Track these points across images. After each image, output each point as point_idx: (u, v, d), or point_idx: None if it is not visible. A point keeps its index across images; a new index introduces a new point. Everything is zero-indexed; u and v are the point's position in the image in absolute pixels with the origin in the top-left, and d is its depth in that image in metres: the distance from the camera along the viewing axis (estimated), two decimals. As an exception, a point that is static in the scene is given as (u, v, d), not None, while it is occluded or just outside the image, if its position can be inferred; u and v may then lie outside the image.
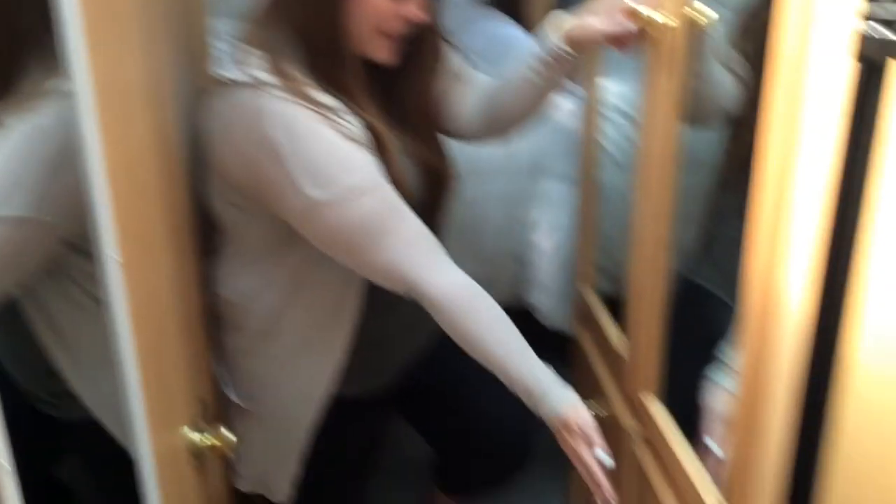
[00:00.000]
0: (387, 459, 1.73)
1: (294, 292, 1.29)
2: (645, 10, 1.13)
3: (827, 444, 0.78)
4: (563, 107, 1.83)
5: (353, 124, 1.16)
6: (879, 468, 0.71)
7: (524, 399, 1.12)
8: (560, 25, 1.23)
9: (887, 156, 0.63)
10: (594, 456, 1.09)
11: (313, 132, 1.12)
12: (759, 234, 0.80)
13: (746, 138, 0.89)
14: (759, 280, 0.81)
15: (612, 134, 1.69)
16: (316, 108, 1.13)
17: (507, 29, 2.03)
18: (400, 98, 1.30)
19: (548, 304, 1.85)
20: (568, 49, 1.23)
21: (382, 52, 1.21)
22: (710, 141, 1.47)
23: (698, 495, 1.07)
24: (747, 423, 0.88)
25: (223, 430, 1.13)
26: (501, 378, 1.13)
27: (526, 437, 1.60)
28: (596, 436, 1.10)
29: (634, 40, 1.17)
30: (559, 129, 1.81)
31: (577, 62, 1.26)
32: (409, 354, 1.50)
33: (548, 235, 1.83)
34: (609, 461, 1.10)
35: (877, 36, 0.62)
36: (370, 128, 1.19)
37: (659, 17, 1.11)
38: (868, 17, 0.62)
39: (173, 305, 1.06)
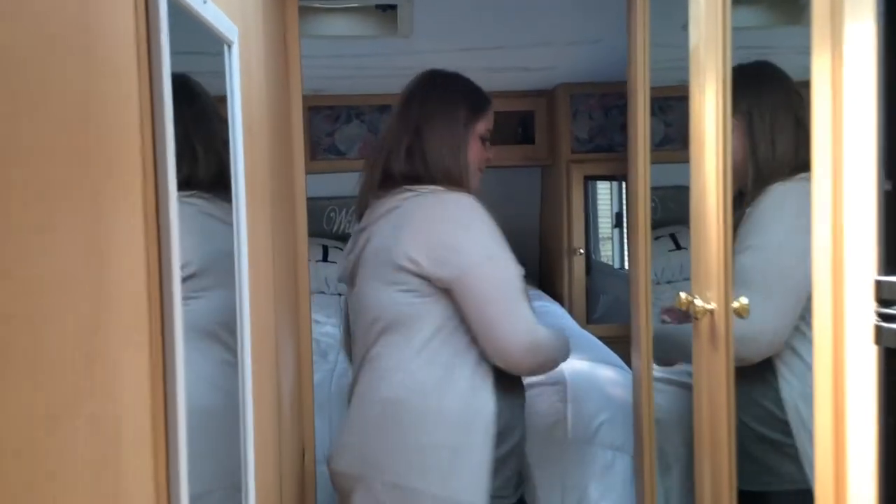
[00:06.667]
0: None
1: None
2: (689, 296, 1.32)
3: None
4: (617, 381, 1.99)
5: None
6: None
7: None
8: None
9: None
10: None
11: None
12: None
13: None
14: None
15: (658, 400, 1.82)
16: None
17: None
18: None
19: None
20: None
21: (477, 185, 1.58)
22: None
23: None
24: None
25: None
26: None
27: None
28: None
29: (684, 317, 1.34)
30: (614, 402, 1.95)
31: None
32: None
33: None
34: None
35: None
36: None
37: (700, 302, 1.29)
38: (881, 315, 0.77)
39: None
